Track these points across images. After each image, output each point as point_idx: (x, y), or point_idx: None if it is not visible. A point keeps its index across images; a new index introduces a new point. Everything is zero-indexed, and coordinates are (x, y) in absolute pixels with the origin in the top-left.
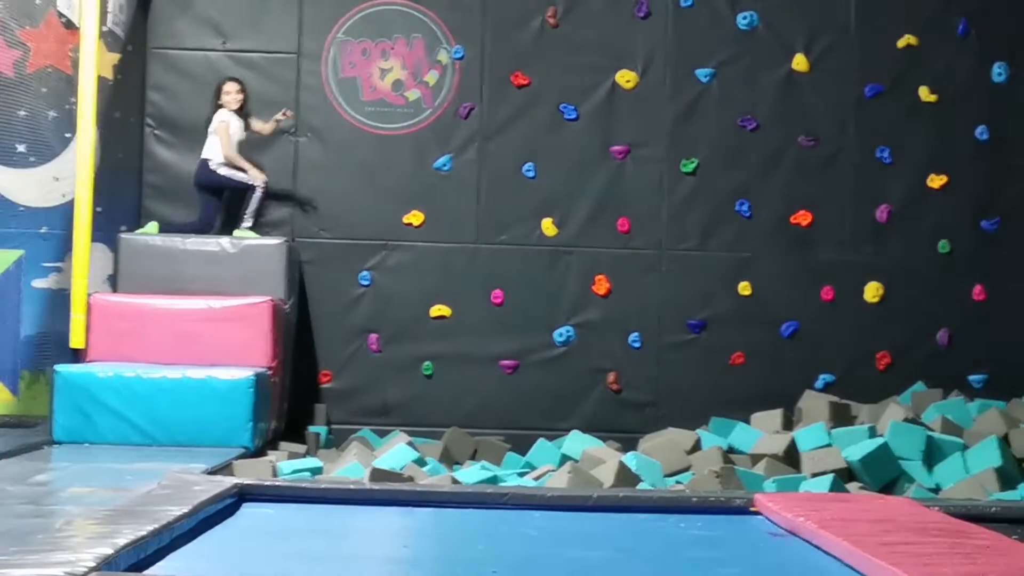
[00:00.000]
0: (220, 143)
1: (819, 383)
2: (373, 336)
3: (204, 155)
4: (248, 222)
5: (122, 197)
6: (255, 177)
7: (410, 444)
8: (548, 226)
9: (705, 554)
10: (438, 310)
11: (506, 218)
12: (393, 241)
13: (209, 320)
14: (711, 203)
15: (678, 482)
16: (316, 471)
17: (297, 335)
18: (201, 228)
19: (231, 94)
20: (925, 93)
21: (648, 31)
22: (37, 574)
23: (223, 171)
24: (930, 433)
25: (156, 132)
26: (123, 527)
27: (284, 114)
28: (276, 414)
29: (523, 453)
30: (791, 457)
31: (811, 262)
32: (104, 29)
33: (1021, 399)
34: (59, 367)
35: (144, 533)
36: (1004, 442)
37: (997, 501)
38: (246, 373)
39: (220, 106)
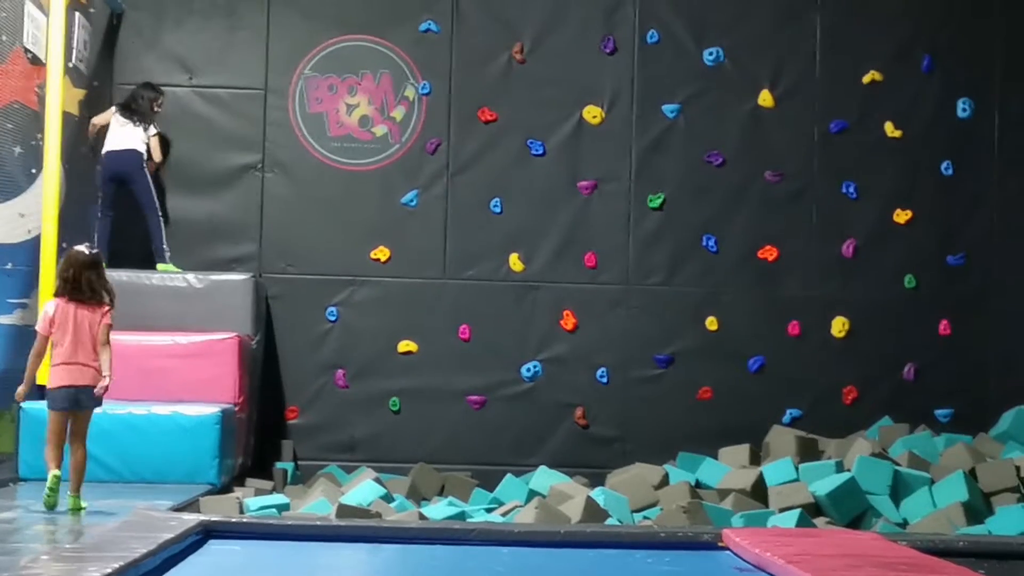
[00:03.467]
0: (155, 149)
1: (786, 418)
2: (340, 372)
3: (131, 144)
4: (168, 253)
5: (87, 233)
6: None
7: (377, 480)
8: (515, 261)
9: None
10: (405, 345)
11: (473, 253)
12: (360, 276)
13: (175, 356)
14: (678, 238)
15: (646, 517)
16: (283, 507)
17: (264, 371)
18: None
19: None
20: (890, 128)
21: (614, 67)
22: None
23: (148, 174)
24: (897, 468)
25: None
26: (88, 564)
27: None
28: (243, 450)
29: (491, 489)
30: (758, 492)
31: (777, 297)
32: (70, 65)
33: (988, 433)
34: (25, 404)
35: (109, 571)
36: (971, 476)
37: (964, 535)
38: (212, 409)
39: (155, 111)
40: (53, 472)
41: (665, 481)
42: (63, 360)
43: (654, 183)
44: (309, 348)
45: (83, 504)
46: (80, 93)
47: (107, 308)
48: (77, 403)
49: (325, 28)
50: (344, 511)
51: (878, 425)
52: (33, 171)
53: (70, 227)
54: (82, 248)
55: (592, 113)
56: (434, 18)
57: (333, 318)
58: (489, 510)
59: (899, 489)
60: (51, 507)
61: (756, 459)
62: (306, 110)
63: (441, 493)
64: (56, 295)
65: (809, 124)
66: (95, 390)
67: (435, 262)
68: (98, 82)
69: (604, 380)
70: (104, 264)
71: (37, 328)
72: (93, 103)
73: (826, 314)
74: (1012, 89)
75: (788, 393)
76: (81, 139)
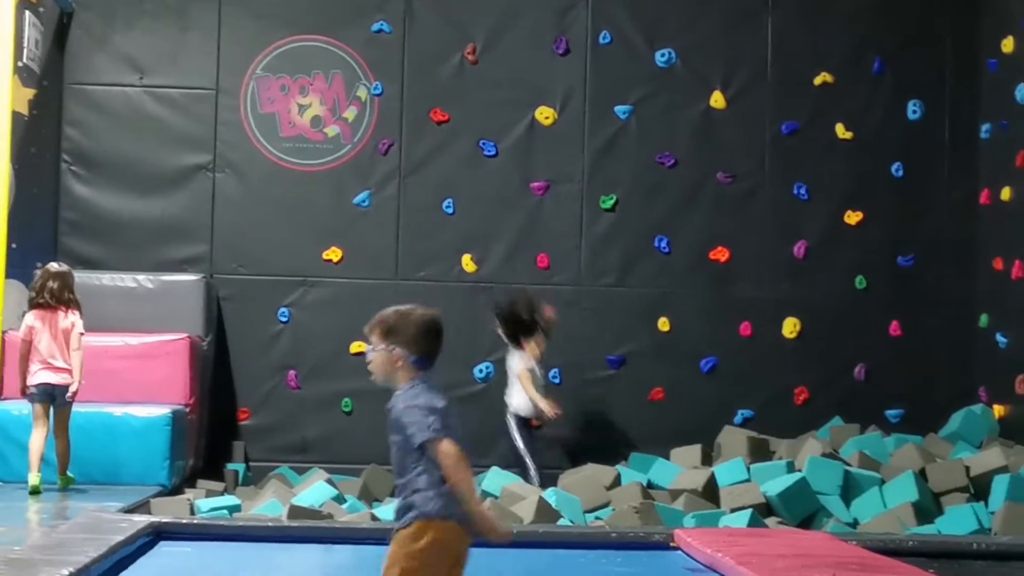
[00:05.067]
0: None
1: (738, 418)
2: (292, 373)
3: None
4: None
5: (37, 233)
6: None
7: (329, 481)
8: (468, 262)
9: None
10: (357, 346)
11: (426, 254)
12: (312, 277)
13: (126, 357)
14: (630, 239)
15: (598, 518)
16: (234, 509)
17: (215, 372)
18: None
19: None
20: (841, 130)
21: (567, 68)
22: None
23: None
24: (848, 468)
25: (72, 168)
26: (40, 567)
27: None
28: (194, 451)
29: None
30: (710, 492)
31: (729, 298)
32: (19, 64)
33: (937, 434)
34: None
35: (61, 575)
36: (921, 477)
37: (914, 535)
38: (163, 410)
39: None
40: (32, 482)
41: (617, 482)
42: (41, 361)
43: (606, 184)
44: (261, 349)
45: (72, 479)
46: (30, 92)
47: (77, 313)
48: (52, 399)
49: (276, 28)
50: (296, 512)
51: (829, 425)
52: None
53: (19, 228)
54: (52, 264)
55: (544, 114)
56: (386, 18)
57: (285, 319)
58: None
59: (850, 489)
60: (34, 492)
61: (708, 459)
62: (258, 110)
63: (393, 494)
64: (31, 307)
65: (761, 125)
66: (67, 395)
67: (387, 263)
68: (48, 82)
69: (556, 381)
70: (71, 278)
71: (20, 336)
72: (43, 103)
73: (777, 315)
74: (962, 91)
75: (740, 394)
76: None
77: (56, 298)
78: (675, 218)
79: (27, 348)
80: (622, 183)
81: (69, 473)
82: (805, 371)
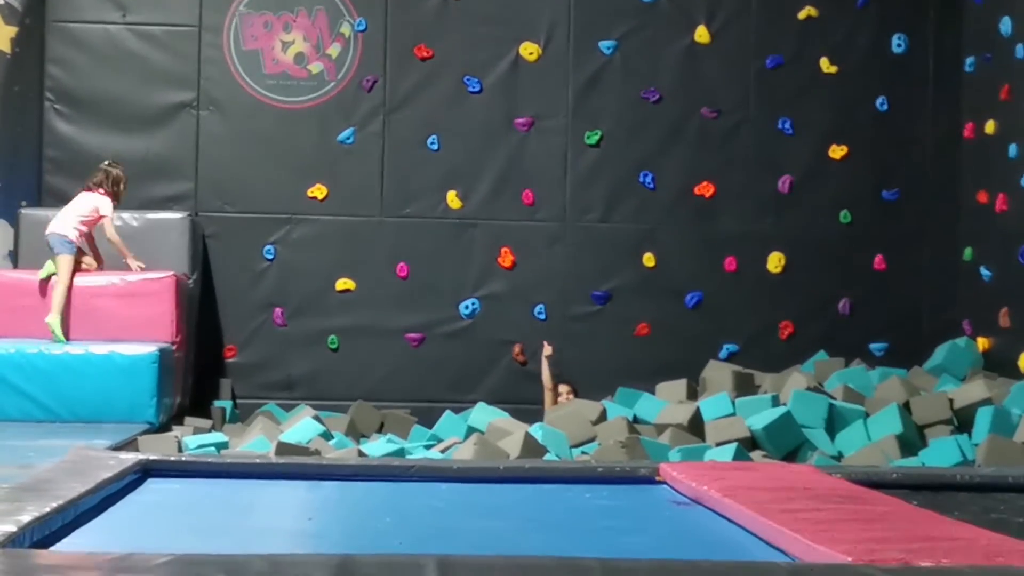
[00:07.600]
0: None
1: (723, 353)
2: (278, 310)
3: None
4: None
5: (22, 172)
6: None
7: (316, 418)
8: (453, 199)
9: (611, 523)
10: (343, 283)
11: (410, 191)
12: (297, 215)
13: (112, 295)
14: (615, 175)
15: (584, 453)
16: (222, 446)
17: (201, 310)
18: None
19: None
20: (826, 64)
21: (551, 3)
22: None
23: None
24: (832, 401)
25: (56, 106)
26: (27, 504)
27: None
28: (181, 389)
29: (430, 425)
30: (695, 427)
31: (714, 233)
32: (1, 2)
33: (921, 367)
34: None
35: (48, 510)
36: (905, 409)
37: (898, 468)
38: (150, 348)
39: None
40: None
41: (603, 417)
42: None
43: (591, 120)
44: (246, 287)
45: (55, 331)
46: (12, 30)
47: (107, 197)
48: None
49: None
50: (283, 449)
51: (814, 359)
52: None
53: (2, 167)
54: (105, 161)
55: (529, 50)
56: None
57: (270, 256)
58: (428, 447)
59: (834, 422)
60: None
61: (693, 394)
62: (241, 47)
63: (380, 430)
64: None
65: (745, 60)
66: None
67: (372, 200)
68: (30, 19)
69: (542, 317)
70: (111, 176)
71: None
72: (26, 41)
73: (762, 250)
74: (946, 24)
75: (725, 328)
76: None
77: (92, 180)
78: (660, 154)
79: None
80: (607, 119)
81: (52, 322)
82: (790, 305)
